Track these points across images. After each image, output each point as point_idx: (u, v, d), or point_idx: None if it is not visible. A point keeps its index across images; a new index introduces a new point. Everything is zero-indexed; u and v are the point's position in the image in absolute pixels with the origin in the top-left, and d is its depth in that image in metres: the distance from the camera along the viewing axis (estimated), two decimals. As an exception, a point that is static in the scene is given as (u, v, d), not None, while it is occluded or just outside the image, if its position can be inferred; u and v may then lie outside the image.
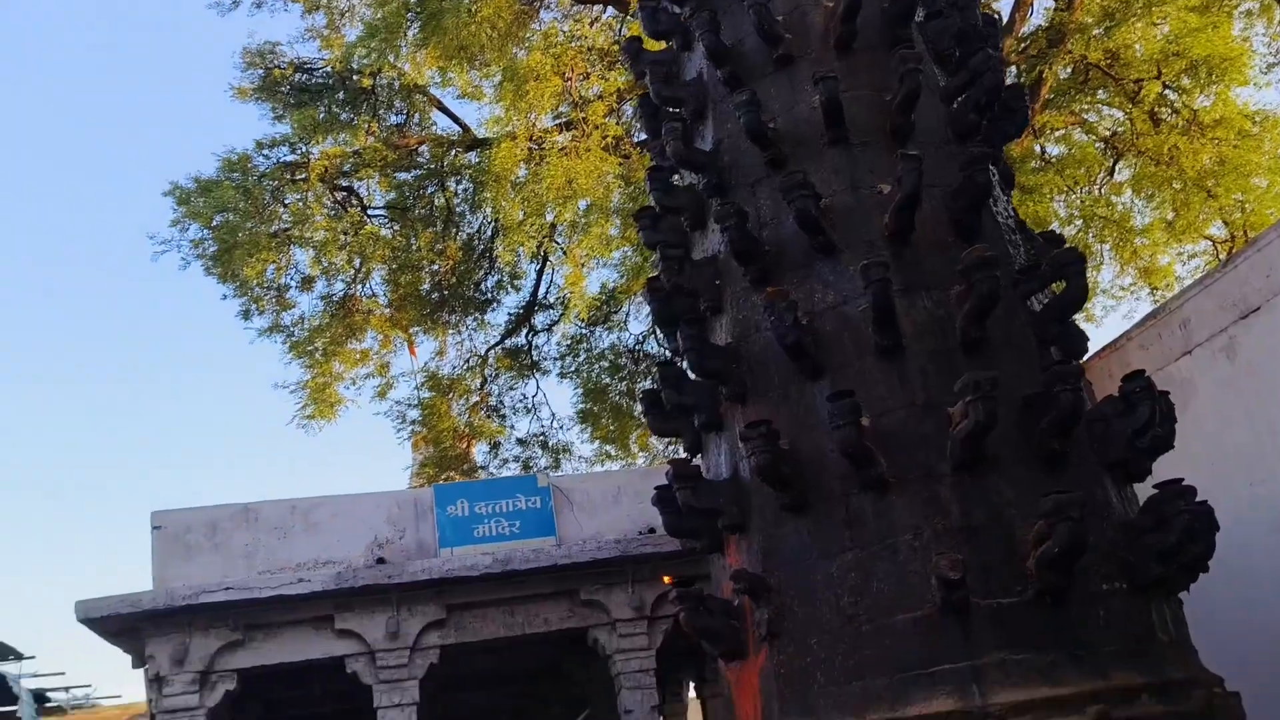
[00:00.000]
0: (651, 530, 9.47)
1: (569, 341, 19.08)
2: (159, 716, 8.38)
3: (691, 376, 5.93)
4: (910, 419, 4.96)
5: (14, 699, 19.66)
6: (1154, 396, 5.04)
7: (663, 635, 9.39)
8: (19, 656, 18.79)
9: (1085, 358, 6.07)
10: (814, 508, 5.04)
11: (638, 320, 19.62)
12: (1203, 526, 4.71)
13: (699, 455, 6.16)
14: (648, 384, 6.22)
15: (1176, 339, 8.82)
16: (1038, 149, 16.70)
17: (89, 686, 22.11)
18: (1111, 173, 17.04)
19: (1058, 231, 8.26)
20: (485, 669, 10.94)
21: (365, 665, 8.84)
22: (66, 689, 21.49)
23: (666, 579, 5.83)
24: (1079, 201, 16.97)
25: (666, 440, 20.05)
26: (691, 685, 13.35)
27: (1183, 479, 4.81)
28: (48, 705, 21.47)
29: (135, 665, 9.00)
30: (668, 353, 19.41)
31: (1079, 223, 16.82)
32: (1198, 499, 4.77)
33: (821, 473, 5.07)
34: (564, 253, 17.74)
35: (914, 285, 5.25)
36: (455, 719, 12.14)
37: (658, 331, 19.43)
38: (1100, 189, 17.21)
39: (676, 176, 6.67)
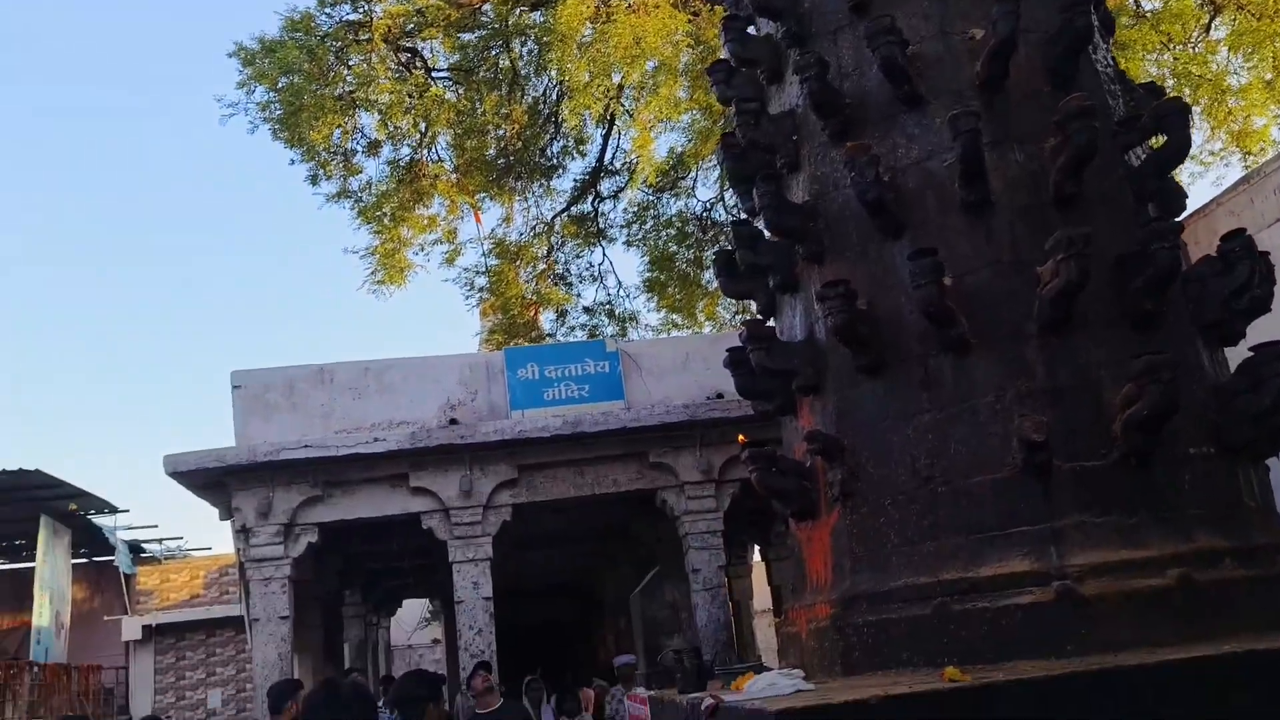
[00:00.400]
0: (719, 396, 9.47)
1: (635, 208, 18.86)
2: (248, 565, 8.76)
3: (767, 236, 5.81)
4: (996, 278, 4.79)
5: (111, 549, 20.86)
6: (1254, 256, 4.78)
7: (729, 498, 9.48)
8: (114, 510, 19.82)
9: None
10: (891, 369, 4.94)
11: (706, 186, 19.26)
12: (1299, 390, 4.52)
13: (772, 318, 6.08)
14: (715, 251, 6.10)
15: (1270, 204, 8.40)
16: (1131, 2, 15.70)
17: (180, 539, 23.38)
18: (1208, 29, 16.00)
19: (1156, 86, 7.79)
20: (555, 528, 11.22)
21: (440, 522, 9.10)
22: (160, 540, 22.72)
23: (741, 438, 5.80)
24: (1173, 59, 16.01)
25: (734, 309, 19.99)
26: (756, 548, 13.55)
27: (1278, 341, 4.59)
28: (142, 555, 22.75)
29: (223, 517, 9.37)
30: (741, 215, 19.14)
31: (1172, 82, 15.89)
32: (1296, 363, 4.57)
33: (900, 333, 4.95)
34: (631, 116, 17.34)
35: (1005, 137, 5.00)
36: (526, 575, 12.55)
37: (726, 197, 19.21)
38: (1196, 46, 16.20)
39: (752, 27, 6.38)
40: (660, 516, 10.47)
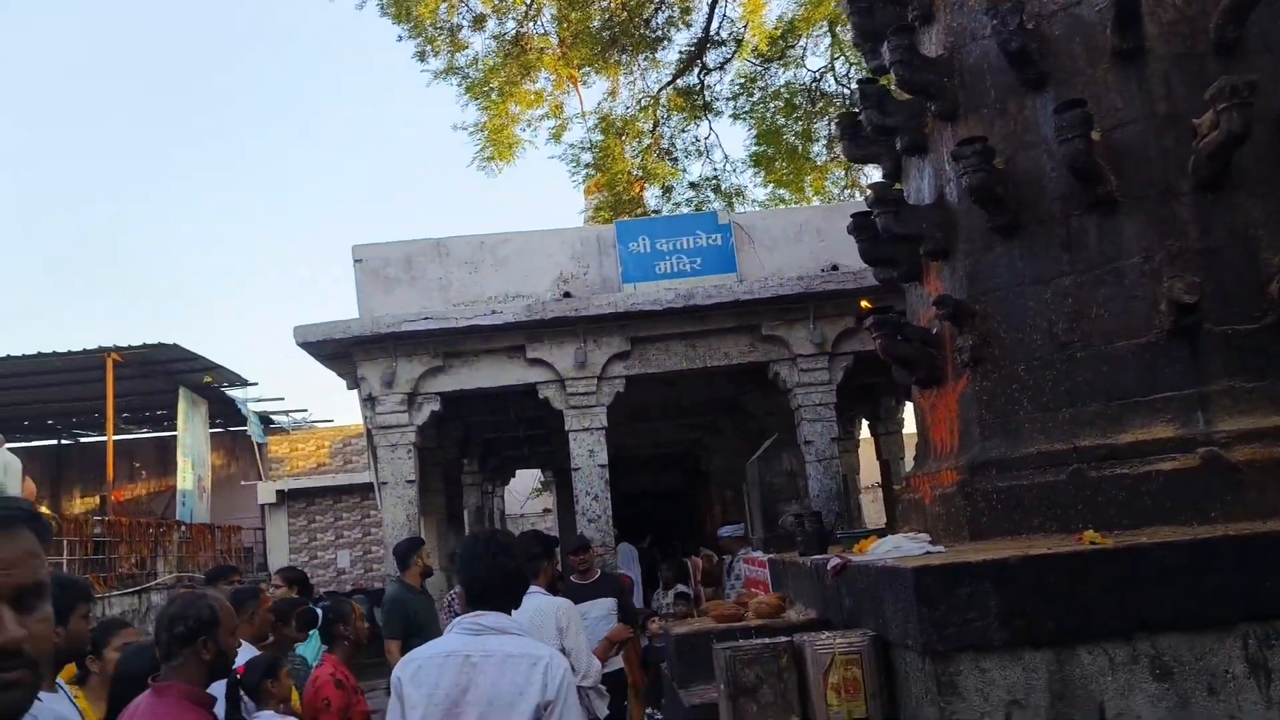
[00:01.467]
0: (834, 268, 9.32)
1: (742, 80, 18.35)
2: (375, 432, 9.11)
3: (894, 95, 5.57)
4: (1147, 131, 4.50)
5: (244, 420, 21.98)
6: None
7: (843, 371, 9.40)
8: (245, 383, 20.78)
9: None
10: (1028, 230, 4.74)
11: (815, 55, 18.54)
12: None
13: (898, 182, 5.88)
14: (837, 116, 5.82)
15: None
16: None
17: (305, 410, 24.43)
18: None
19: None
20: (663, 400, 11.33)
21: (556, 392, 9.27)
22: (287, 413, 23.80)
23: (864, 304, 5.70)
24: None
25: (844, 183, 19.49)
26: (864, 423, 13.47)
27: None
28: (271, 426, 23.92)
29: (350, 387, 9.72)
30: (856, 80, 18.43)
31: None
32: None
33: (1039, 193, 4.72)
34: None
35: (1163, -22, 4.63)
36: (634, 445, 12.75)
37: (837, 66, 18.51)
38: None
39: None
40: (771, 389, 10.48)
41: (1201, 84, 4.34)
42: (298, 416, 24.68)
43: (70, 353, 17.42)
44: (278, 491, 21.89)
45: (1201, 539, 3.47)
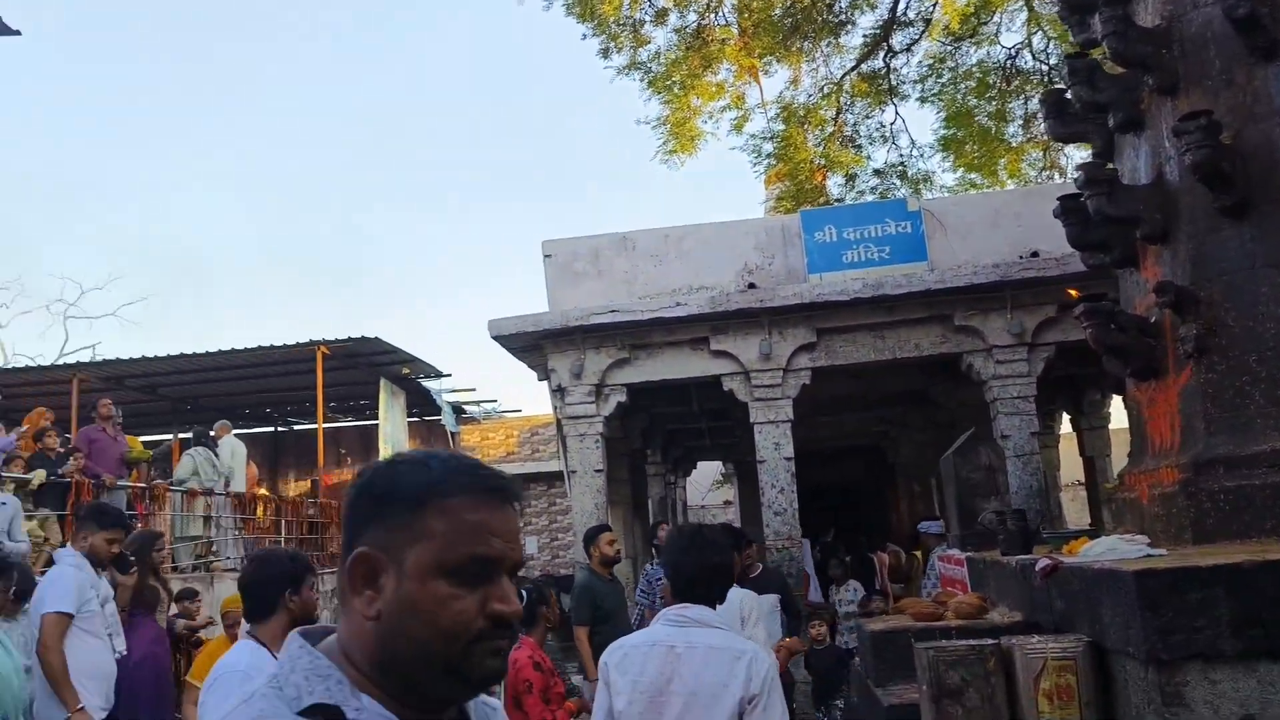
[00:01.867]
0: (1034, 254, 8.89)
1: (931, 61, 17.78)
2: (564, 422, 9.36)
3: (1105, 70, 5.25)
4: (1404, 98, 4.08)
5: (438, 410, 23.03)
6: None
7: (1043, 363, 8.97)
8: (439, 374, 21.76)
9: None
10: (1260, 210, 4.38)
11: (1010, 31, 17.78)
12: None
13: (1109, 162, 5.54)
14: (1042, 93, 5.49)
15: None
16: None
17: (494, 401, 25.36)
18: None
19: None
20: (848, 392, 11.11)
21: (741, 384, 9.25)
22: (478, 403, 24.78)
23: (1071, 292, 5.41)
24: None
25: (1042, 166, 18.57)
26: (1066, 417, 12.79)
27: None
28: (463, 416, 24.95)
29: (540, 378, 10.02)
30: (1052, 59, 17.54)
31: None
32: None
33: (1272, 169, 4.36)
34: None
35: None
36: (816, 438, 12.57)
37: (1034, 42, 17.63)
38: None
39: None
40: (963, 381, 10.11)
41: None
42: (488, 407, 25.65)
43: (286, 346, 18.70)
44: (470, 478, 22.81)
45: None
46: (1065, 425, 13.93)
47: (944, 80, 17.74)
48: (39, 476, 8.78)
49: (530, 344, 9.42)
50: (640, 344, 9.27)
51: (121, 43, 58.80)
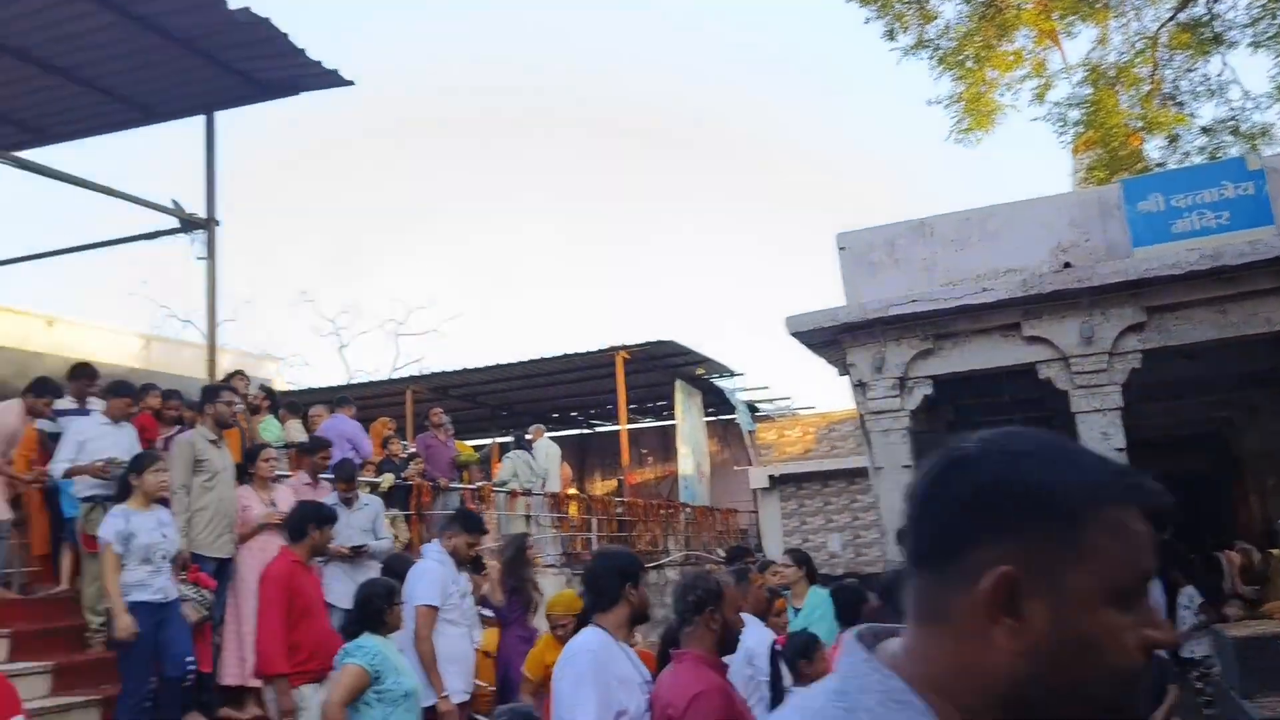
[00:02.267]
0: None
1: (1264, 1, 15.82)
2: (867, 417, 9.16)
3: None
4: None
5: (733, 409, 23.33)
6: None
7: None
8: (733, 374, 22.04)
9: None
10: None
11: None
12: None
13: None
14: None
15: None
16: None
17: (788, 398, 25.31)
18: None
19: None
20: (1181, 375, 10.08)
21: (1059, 371, 8.65)
22: (771, 401, 24.86)
23: None
24: None
25: None
26: None
27: None
28: (757, 415, 25.12)
29: (840, 373, 9.87)
30: None
31: None
32: None
33: None
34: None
35: None
36: (1145, 426, 11.52)
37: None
38: None
39: None
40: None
41: None
42: (781, 404, 25.67)
43: (588, 352, 19.67)
44: (769, 476, 22.90)
45: None
46: None
47: (1280, 19, 15.76)
48: (387, 480, 9.73)
49: (828, 339, 9.30)
50: (944, 333, 8.90)
51: (447, 71, 64.29)
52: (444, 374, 21.45)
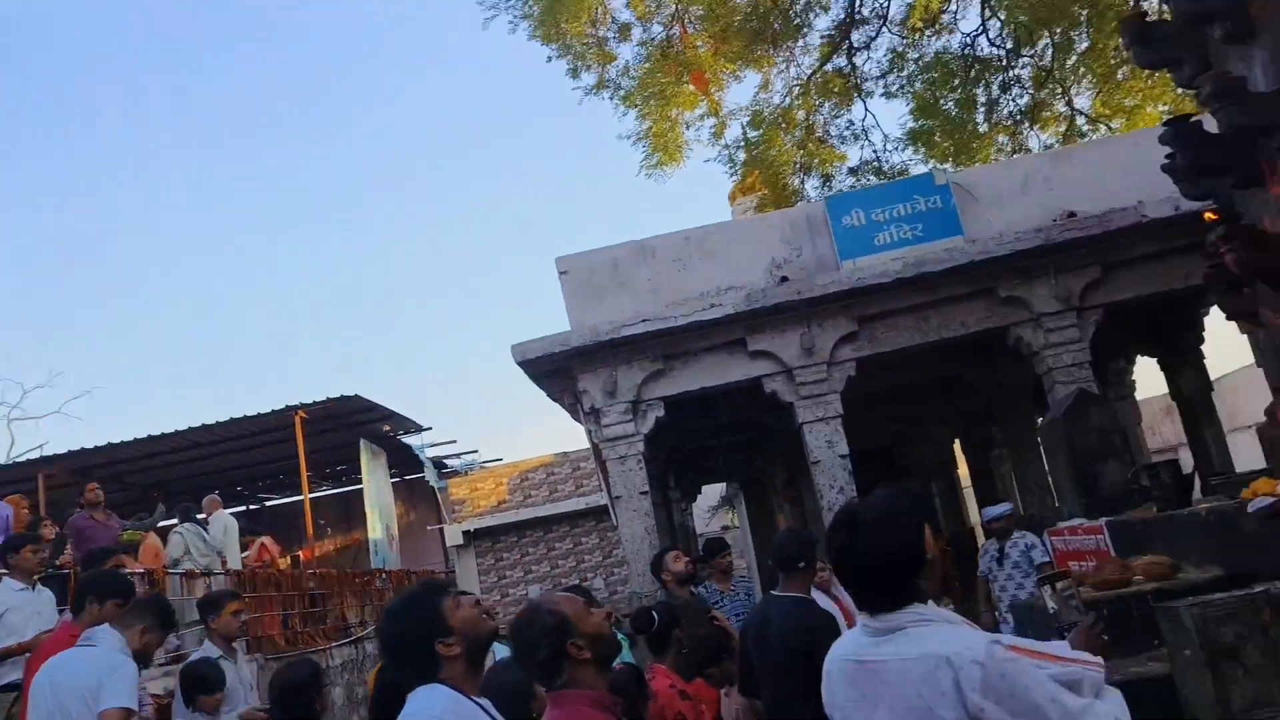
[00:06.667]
0: (1071, 214, 8.58)
1: (892, 55, 17.69)
2: (601, 445, 8.79)
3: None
4: None
5: (421, 467, 22.26)
6: None
7: (1094, 326, 8.62)
8: (420, 428, 21.05)
9: None
10: None
11: (964, 19, 17.80)
12: None
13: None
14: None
15: None
16: None
17: (475, 452, 24.64)
18: None
19: None
20: (891, 384, 10.68)
21: (784, 383, 8.78)
22: (458, 455, 24.05)
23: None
24: None
25: (1011, 150, 18.45)
26: (1131, 378, 12.27)
27: None
28: (444, 471, 24.19)
29: (568, 404, 9.44)
30: (1002, 52, 17.47)
31: None
32: None
33: None
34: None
35: None
36: (860, 437, 12.09)
37: (989, 27, 17.58)
38: None
39: None
40: (1001, 361, 9.77)
41: None
42: (468, 459, 24.93)
43: (260, 415, 17.87)
44: (463, 533, 22.05)
45: None
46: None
47: (907, 73, 17.66)
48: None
49: (557, 366, 8.86)
50: (674, 353, 8.77)
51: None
52: (84, 452, 18.60)
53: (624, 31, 14.63)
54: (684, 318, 8.51)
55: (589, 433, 9.29)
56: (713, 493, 24.42)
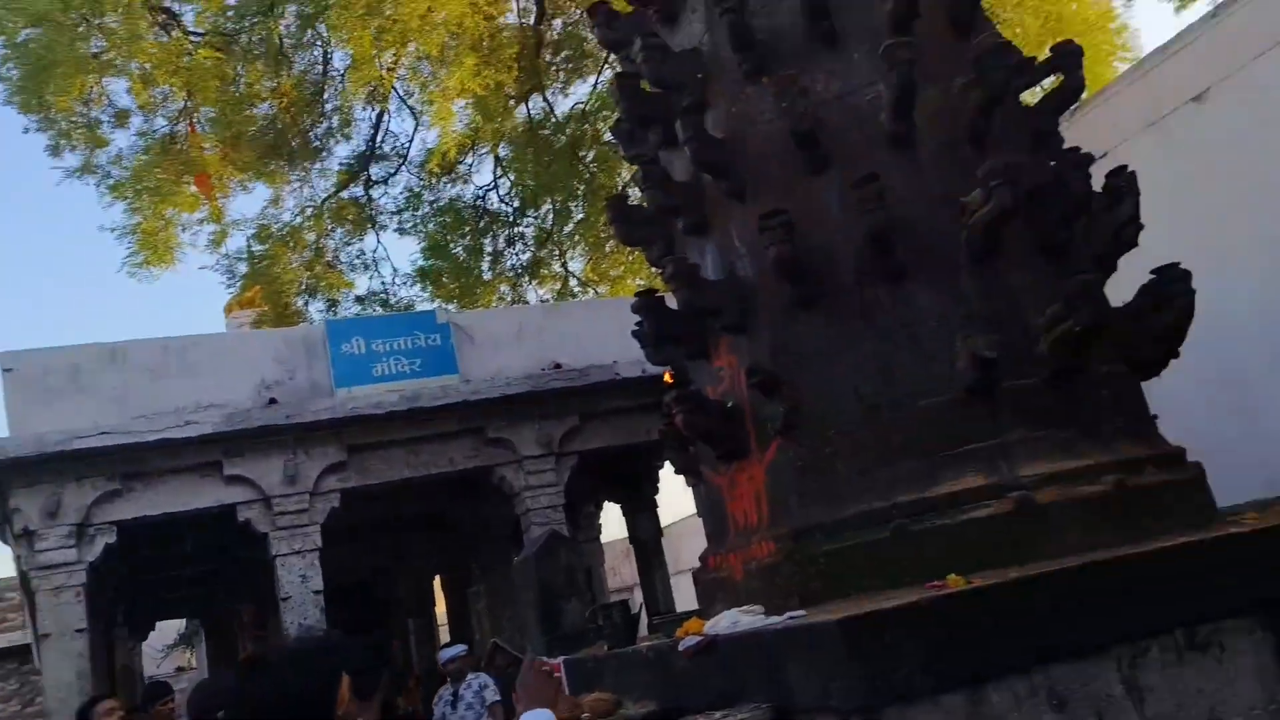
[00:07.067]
0: (557, 366, 9.25)
1: (408, 194, 18.21)
2: (33, 574, 7.54)
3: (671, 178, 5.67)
4: (926, 209, 4.89)
5: None
6: (1136, 192, 5.18)
7: (569, 471, 9.26)
8: None
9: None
10: (828, 300, 4.93)
11: (481, 173, 18.90)
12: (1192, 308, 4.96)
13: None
14: (609, 198, 5.82)
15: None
16: None
17: None
18: None
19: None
20: (378, 516, 10.50)
21: (260, 512, 8.27)
22: None
23: (667, 377, 5.64)
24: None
25: (511, 300, 19.65)
26: (599, 521, 13.18)
27: (1179, 262, 5.01)
28: None
29: (-6, 522, 8.02)
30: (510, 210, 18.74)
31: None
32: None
33: (832, 266, 4.95)
34: (401, 99, 16.78)
35: (919, 76, 5.13)
36: (341, 570, 11.65)
37: (500, 185, 18.87)
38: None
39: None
40: (484, 500, 10.10)
41: (961, 168, 4.83)
42: None
43: None
44: None
45: (1076, 566, 3.66)
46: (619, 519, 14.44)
47: (422, 213, 18.23)
48: None
49: (-15, 478, 7.53)
50: (138, 471, 7.92)
51: None
52: None
53: (121, 117, 13.47)
54: (154, 433, 7.74)
55: (17, 559, 7.92)
56: (170, 629, 21.97)
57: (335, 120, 16.78)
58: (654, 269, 6.39)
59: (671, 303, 5.76)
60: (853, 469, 4.74)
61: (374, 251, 17.71)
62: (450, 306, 18.79)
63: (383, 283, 17.83)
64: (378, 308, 17.83)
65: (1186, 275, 4.94)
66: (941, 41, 5.28)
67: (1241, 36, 8.55)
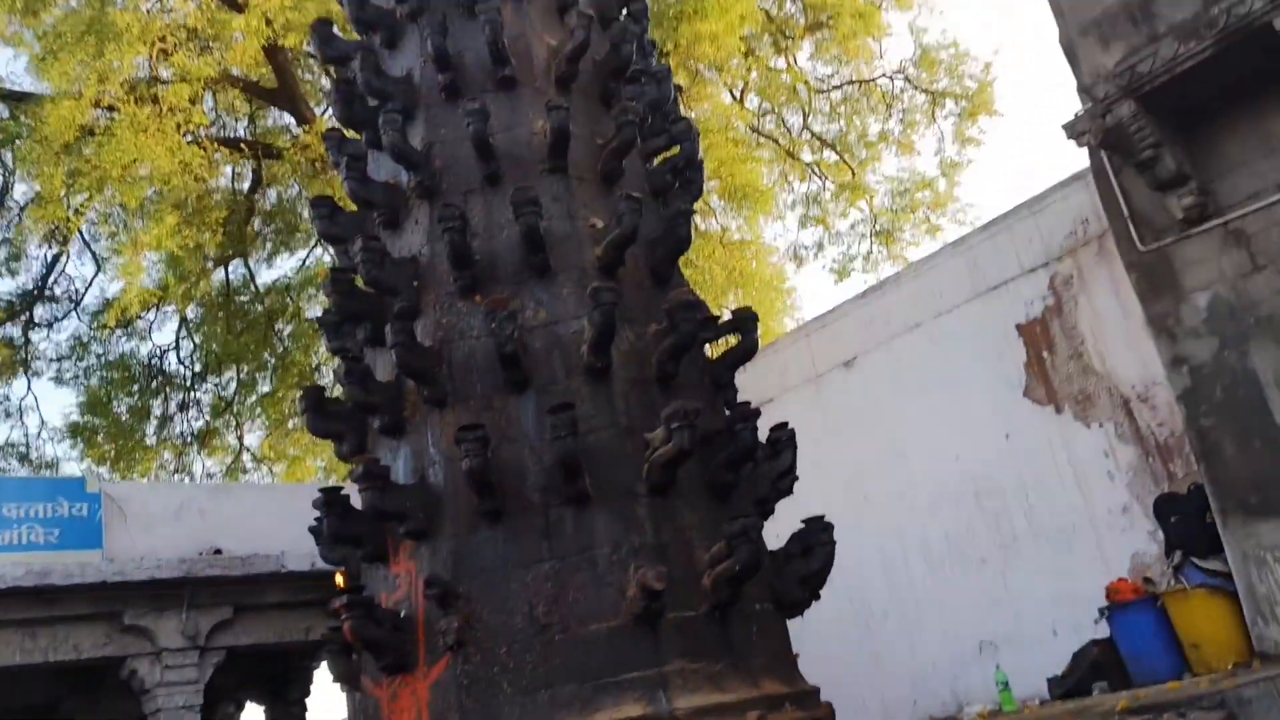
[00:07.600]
0: (217, 551, 8.63)
1: (74, 342, 16.79)
2: None
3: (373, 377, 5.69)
4: (613, 439, 5.22)
5: None
6: (794, 445, 5.83)
7: (213, 668, 8.50)
8: None
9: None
10: (512, 517, 5.06)
11: (161, 332, 17.90)
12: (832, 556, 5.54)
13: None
14: (304, 388, 5.65)
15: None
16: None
17: None
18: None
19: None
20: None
21: None
22: None
23: (340, 580, 5.41)
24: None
25: (175, 469, 18.20)
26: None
27: (823, 515, 5.61)
28: None
29: None
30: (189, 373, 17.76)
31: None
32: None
33: (521, 483, 5.12)
34: (86, 243, 15.80)
35: (620, 318, 5.57)
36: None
37: (183, 346, 17.82)
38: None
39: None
40: (108, 694, 9.00)
41: (649, 404, 5.27)
42: None
43: None
44: None
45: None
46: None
47: (86, 365, 16.83)
48: None
49: None
50: None
51: None
52: None
53: None
54: None
55: None
56: None
57: (3, 252, 15.43)
58: (341, 460, 6.26)
59: (356, 501, 5.65)
60: (517, 690, 4.76)
61: (23, 399, 15.95)
62: (103, 470, 17.12)
63: (26, 434, 16.05)
64: (15, 462, 15.97)
65: (830, 527, 5.54)
66: (642, 289, 5.82)
67: (885, 317, 10.02)
